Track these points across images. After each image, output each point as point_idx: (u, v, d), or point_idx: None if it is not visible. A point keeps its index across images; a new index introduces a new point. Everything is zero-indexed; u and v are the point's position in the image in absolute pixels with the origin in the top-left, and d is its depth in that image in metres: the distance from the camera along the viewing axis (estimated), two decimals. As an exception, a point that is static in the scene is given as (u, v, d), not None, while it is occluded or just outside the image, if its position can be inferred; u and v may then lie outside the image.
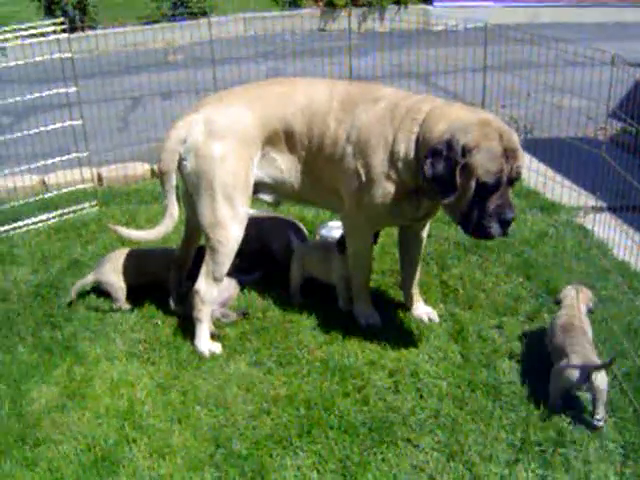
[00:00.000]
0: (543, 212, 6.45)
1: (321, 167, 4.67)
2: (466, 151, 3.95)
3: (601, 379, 3.87)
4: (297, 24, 13.33)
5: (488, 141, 3.96)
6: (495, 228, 4.05)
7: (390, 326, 4.84)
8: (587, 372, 3.88)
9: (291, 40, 11.95)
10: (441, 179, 4.03)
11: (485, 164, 3.94)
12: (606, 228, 5.63)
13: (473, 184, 3.98)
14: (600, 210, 6.14)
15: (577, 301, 4.43)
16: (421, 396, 4.17)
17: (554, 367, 4.07)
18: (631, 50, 13.22)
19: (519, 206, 6.46)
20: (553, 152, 6.81)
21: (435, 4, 16.61)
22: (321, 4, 16.14)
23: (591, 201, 5.95)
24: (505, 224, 4.05)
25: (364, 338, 4.69)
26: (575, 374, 3.92)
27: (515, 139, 4.06)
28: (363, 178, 4.45)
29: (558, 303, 4.55)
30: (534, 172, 6.81)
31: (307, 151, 4.68)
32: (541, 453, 3.74)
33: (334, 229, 5.73)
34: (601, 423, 3.89)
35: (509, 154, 3.98)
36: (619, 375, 4.25)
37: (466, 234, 4.24)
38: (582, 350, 4.02)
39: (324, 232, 5.92)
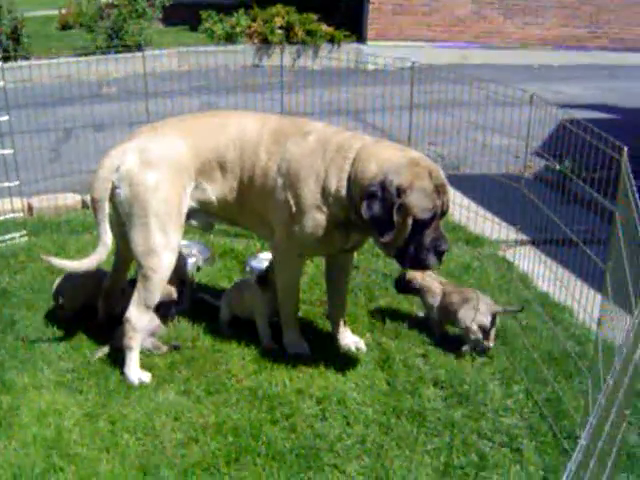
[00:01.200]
0: (468, 245, 6.66)
1: (252, 197, 4.75)
2: (401, 191, 4.12)
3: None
4: (232, 59, 13.44)
5: (420, 180, 4.16)
6: (432, 259, 4.27)
7: (318, 355, 4.90)
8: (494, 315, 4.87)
9: (225, 75, 12.06)
10: (379, 219, 4.19)
11: (420, 202, 4.14)
12: (528, 261, 5.83)
13: (410, 221, 4.16)
14: (523, 243, 6.36)
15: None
16: (348, 423, 4.25)
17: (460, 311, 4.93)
18: (556, 91, 13.75)
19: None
20: (478, 188, 7.03)
21: (368, 43, 16.99)
22: (256, 40, 16.33)
23: (514, 235, 6.15)
24: (440, 254, 4.27)
25: (293, 367, 4.74)
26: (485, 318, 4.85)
27: (442, 175, 4.28)
28: (293, 209, 4.55)
29: (415, 290, 5.25)
30: (460, 207, 7.02)
31: (239, 181, 4.76)
32: (464, 477, 3.84)
33: (264, 261, 5.80)
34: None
35: (440, 190, 4.20)
36: (539, 401, 4.40)
37: (402, 267, 4.43)
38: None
39: (254, 264, 5.99)
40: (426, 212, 4.16)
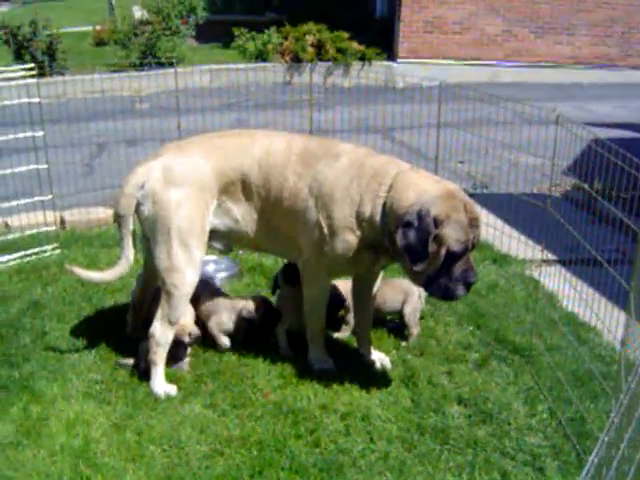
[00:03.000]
0: (495, 264, 6.67)
1: (278, 217, 4.80)
2: (437, 222, 4.20)
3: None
4: (263, 77, 13.57)
5: (456, 213, 4.24)
6: (460, 290, 4.35)
7: (343, 371, 4.93)
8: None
9: (256, 92, 12.18)
10: (413, 248, 4.26)
11: (455, 234, 4.22)
12: (555, 280, 5.81)
13: (443, 252, 4.23)
14: (550, 263, 6.35)
15: None
16: (371, 439, 4.27)
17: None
18: (586, 109, 13.71)
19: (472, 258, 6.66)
20: (505, 206, 7.04)
21: (399, 61, 17.03)
22: (287, 58, 16.45)
23: (541, 254, 6.14)
24: (469, 286, 4.35)
25: (317, 382, 4.78)
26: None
27: (476, 209, 4.38)
28: (325, 230, 4.60)
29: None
30: (487, 226, 7.02)
31: (264, 202, 4.81)
32: (486, 495, 3.86)
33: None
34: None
35: (473, 223, 4.28)
36: (563, 420, 4.40)
37: (429, 294, 4.49)
38: None
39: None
40: (460, 244, 4.23)
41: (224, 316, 5.20)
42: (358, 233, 4.54)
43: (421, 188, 4.36)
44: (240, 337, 5.21)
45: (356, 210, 4.52)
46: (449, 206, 4.24)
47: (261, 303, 5.27)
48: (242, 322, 5.19)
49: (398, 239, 4.28)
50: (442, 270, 4.30)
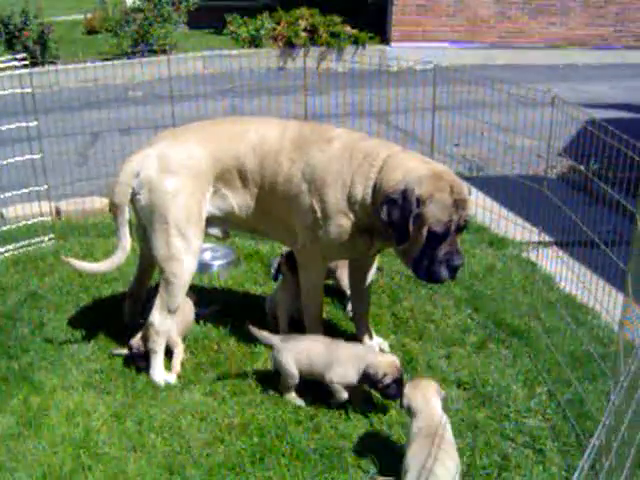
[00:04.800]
0: (492, 247, 6.67)
1: (274, 203, 4.79)
2: (420, 202, 4.16)
3: None
4: (256, 62, 13.51)
5: (440, 193, 4.18)
6: (444, 273, 4.28)
7: (342, 357, 4.93)
8: None
9: (250, 78, 12.14)
10: (396, 226, 4.23)
11: (436, 214, 4.16)
12: (552, 262, 5.82)
13: (425, 232, 4.19)
14: (547, 245, 6.35)
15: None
16: (371, 424, 4.28)
17: None
18: (582, 90, 13.69)
19: (469, 241, 6.67)
20: (502, 189, 7.03)
21: (392, 45, 16.99)
22: (280, 43, 16.40)
23: (538, 236, 6.14)
24: (453, 269, 4.29)
25: (317, 368, 4.78)
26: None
27: (464, 191, 4.30)
28: (318, 214, 4.59)
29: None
30: (483, 208, 7.02)
31: (259, 188, 4.81)
32: (487, 477, 3.85)
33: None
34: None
35: (459, 204, 4.21)
36: (562, 402, 4.41)
37: (417, 277, 4.44)
38: None
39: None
40: (441, 225, 4.17)
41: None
42: (351, 216, 4.53)
43: (409, 168, 4.33)
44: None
45: (348, 193, 4.50)
46: (433, 186, 4.19)
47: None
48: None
49: (382, 216, 4.27)
50: (426, 252, 4.25)
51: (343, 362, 4.41)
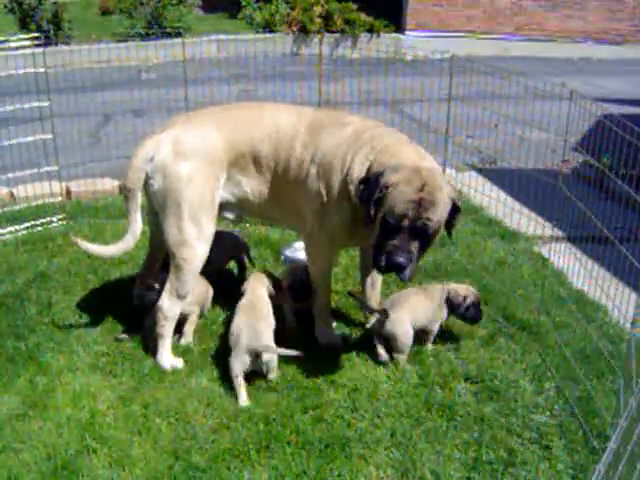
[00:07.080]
0: (503, 240, 6.63)
1: (286, 189, 4.77)
2: (383, 188, 4.09)
3: None
4: (270, 48, 13.46)
5: (405, 185, 4.06)
6: (382, 266, 4.13)
7: (350, 346, 4.93)
8: None
9: (264, 63, 12.09)
10: (363, 206, 4.23)
11: (392, 203, 4.06)
12: (564, 257, 5.77)
13: (379, 219, 4.13)
14: (559, 240, 6.30)
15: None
16: (378, 415, 4.26)
17: None
18: (596, 85, 13.60)
19: (480, 233, 6.63)
20: (515, 182, 6.98)
21: (407, 34, 16.90)
22: (295, 29, 16.33)
23: (550, 231, 6.11)
24: (389, 265, 4.10)
25: (324, 357, 4.76)
26: None
27: (436, 195, 4.08)
28: (324, 198, 4.57)
29: None
30: (496, 201, 6.97)
31: (273, 174, 4.78)
32: (492, 472, 3.83)
33: (298, 250, 5.83)
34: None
35: (422, 204, 4.03)
36: (570, 399, 4.38)
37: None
38: None
39: (288, 253, 6.02)
40: (394, 216, 4.05)
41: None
42: (349, 199, 4.48)
43: (399, 157, 4.26)
44: None
45: (346, 172, 4.46)
46: (404, 177, 4.07)
47: None
48: None
49: (354, 192, 4.29)
50: (378, 239, 4.16)
51: (441, 303, 4.95)
